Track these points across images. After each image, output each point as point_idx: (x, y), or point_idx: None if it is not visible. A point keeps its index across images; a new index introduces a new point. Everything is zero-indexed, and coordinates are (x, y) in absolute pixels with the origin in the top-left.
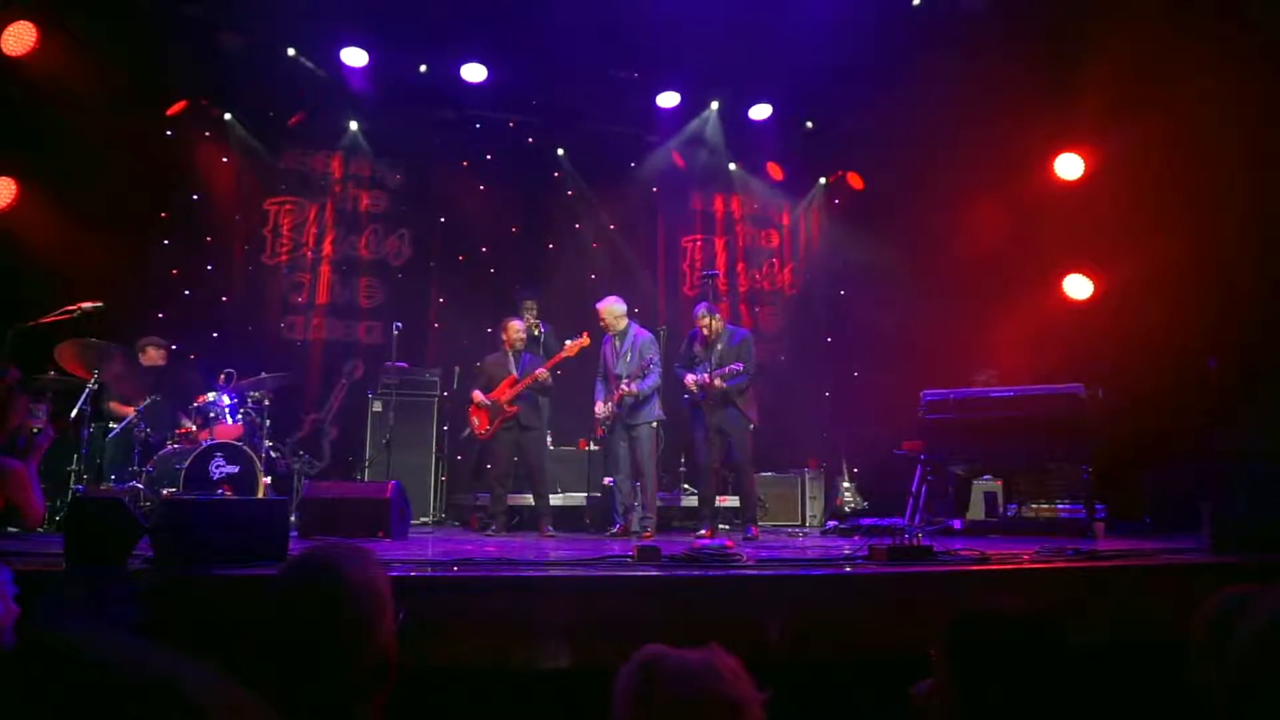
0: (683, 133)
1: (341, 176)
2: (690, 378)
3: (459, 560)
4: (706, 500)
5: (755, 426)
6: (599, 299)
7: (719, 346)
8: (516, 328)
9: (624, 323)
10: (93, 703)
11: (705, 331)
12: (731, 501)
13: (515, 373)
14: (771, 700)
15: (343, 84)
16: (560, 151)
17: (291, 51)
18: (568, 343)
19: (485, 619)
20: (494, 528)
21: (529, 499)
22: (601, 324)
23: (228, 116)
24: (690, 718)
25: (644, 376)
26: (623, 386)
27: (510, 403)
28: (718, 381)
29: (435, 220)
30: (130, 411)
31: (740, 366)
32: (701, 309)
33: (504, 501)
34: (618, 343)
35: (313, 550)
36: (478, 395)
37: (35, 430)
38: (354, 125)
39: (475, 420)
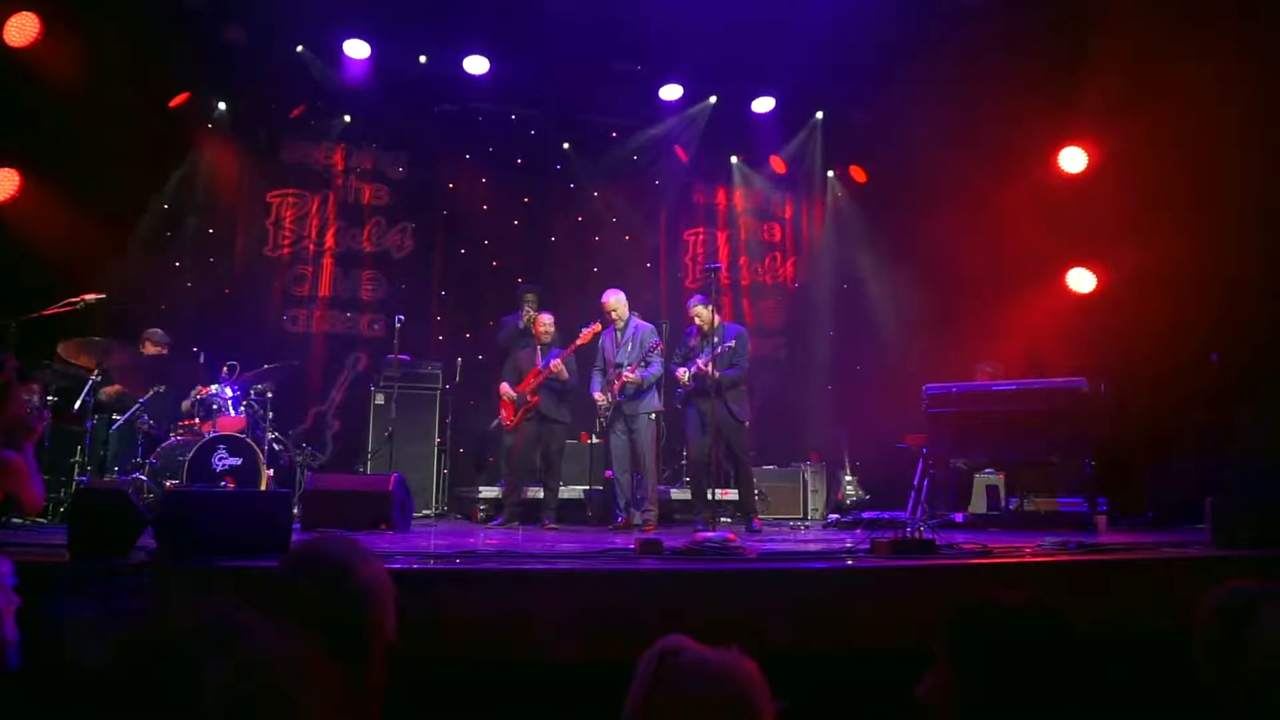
0: (685, 125)
1: (344, 169)
2: (681, 371)
3: (461, 553)
4: (697, 495)
5: (748, 424)
6: (601, 292)
7: (715, 339)
8: (546, 322)
9: (626, 313)
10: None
11: (698, 322)
12: (733, 495)
13: (540, 365)
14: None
15: (345, 76)
16: (566, 145)
17: (300, 48)
18: (582, 330)
19: (487, 612)
20: (503, 519)
21: (537, 492)
22: (610, 315)
23: (221, 106)
24: (702, 714)
25: (647, 365)
26: (625, 374)
27: (532, 393)
28: (711, 369)
29: (438, 213)
30: (117, 391)
31: (732, 343)
32: (694, 301)
33: (519, 493)
34: (619, 334)
35: (313, 542)
36: (505, 388)
37: (28, 412)
38: (356, 118)
39: (503, 411)
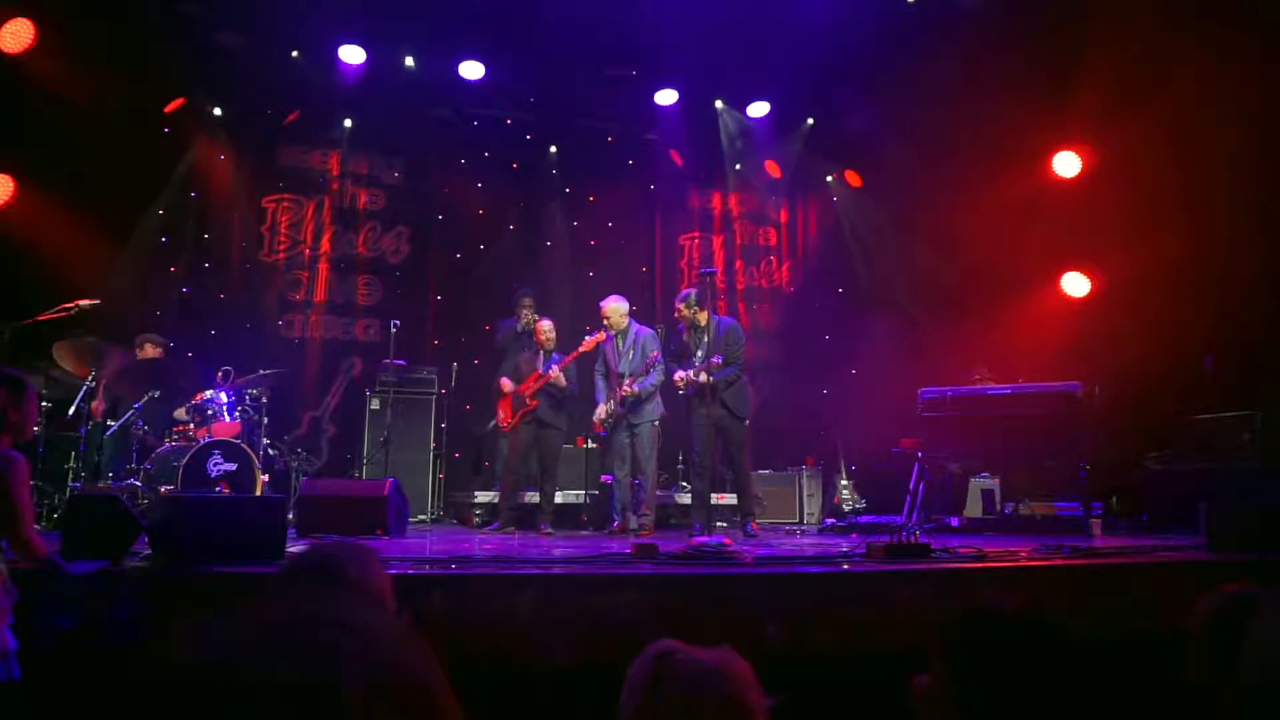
0: (681, 130)
1: (339, 174)
2: (679, 374)
3: (457, 558)
4: (698, 498)
5: (749, 422)
6: (596, 297)
7: (705, 339)
8: (547, 329)
9: (626, 321)
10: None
11: (684, 319)
12: (730, 499)
13: (541, 369)
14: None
15: (340, 81)
16: (560, 150)
17: (295, 54)
18: (586, 338)
19: (483, 617)
20: (499, 524)
21: (532, 497)
22: (605, 322)
23: (216, 111)
24: (695, 714)
25: (647, 374)
26: (625, 386)
27: (531, 396)
28: (703, 376)
29: (433, 218)
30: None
31: (719, 359)
32: (680, 298)
33: (515, 497)
34: (620, 342)
35: (313, 549)
36: (506, 384)
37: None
38: (351, 122)
39: (501, 412)
